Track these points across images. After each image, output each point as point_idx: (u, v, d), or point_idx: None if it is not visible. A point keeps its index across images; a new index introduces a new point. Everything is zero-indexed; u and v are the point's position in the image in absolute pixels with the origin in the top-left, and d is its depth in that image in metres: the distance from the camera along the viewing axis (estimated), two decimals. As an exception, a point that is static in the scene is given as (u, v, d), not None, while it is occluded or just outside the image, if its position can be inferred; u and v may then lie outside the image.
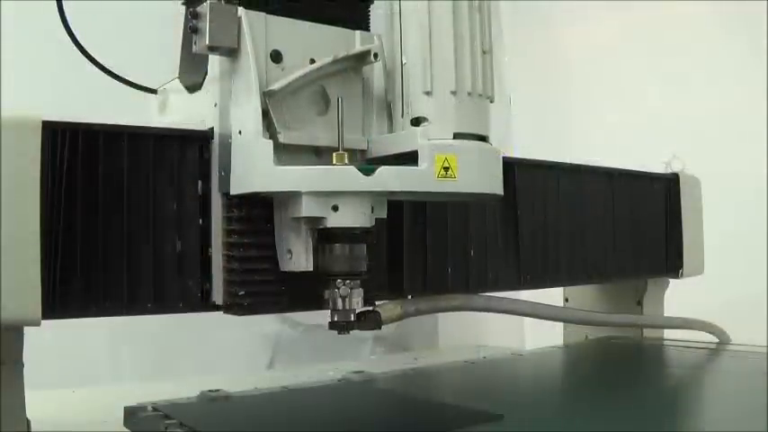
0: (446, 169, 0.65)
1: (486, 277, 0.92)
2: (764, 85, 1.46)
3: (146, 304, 0.68)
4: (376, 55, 0.70)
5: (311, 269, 0.68)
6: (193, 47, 0.67)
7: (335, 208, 0.64)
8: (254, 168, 0.65)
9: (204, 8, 0.65)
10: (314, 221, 0.66)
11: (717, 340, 1.22)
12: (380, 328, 0.74)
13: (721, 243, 1.24)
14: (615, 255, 1.10)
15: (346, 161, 0.65)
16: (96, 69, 0.79)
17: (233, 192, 0.68)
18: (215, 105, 0.70)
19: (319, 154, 0.70)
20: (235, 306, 0.69)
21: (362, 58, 0.71)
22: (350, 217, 0.65)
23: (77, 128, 0.65)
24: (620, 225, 1.10)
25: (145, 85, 0.84)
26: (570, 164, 1.04)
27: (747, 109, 1.49)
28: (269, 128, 0.66)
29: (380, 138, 0.72)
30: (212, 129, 0.70)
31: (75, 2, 0.77)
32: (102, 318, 0.67)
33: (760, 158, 1.45)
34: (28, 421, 0.67)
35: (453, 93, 0.66)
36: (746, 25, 1.52)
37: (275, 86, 0.66)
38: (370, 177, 0.63)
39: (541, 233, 0.99)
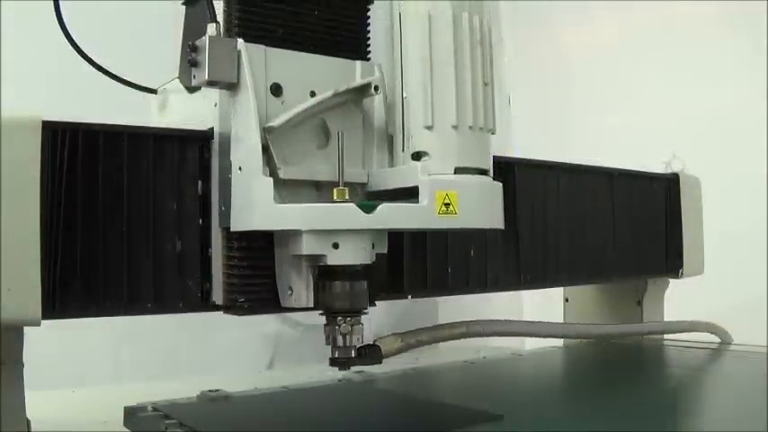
0: (447, 205, 0.64)
1: (486, 277, 0.92)
2: (764, 85, 1.46)
3: (146, 304, 0.68)
4: (377, 87, 0.70)
5: (312, 306, 0.67)
6: (192, 80, 0.66)
7: (336, 245, 0.64)
8: (254, 206, 0.64)
9: (203, 42, 0.64)
10: (314, 258, 0.65)
11: (718, 340, 1.22)
12: (381, 363, 0.73)
13: (721, 243, 1.24)
14: (615, 255, 1.10)
15: (347, 197, 0.64)
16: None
17: (233, 228, 0.67)
18: (215, 105, 0.70)
19: (320, 188, 0.69)
20: (235, 306, 0.69)
21: (363, 90, 0.71)
22: (350, 254, 0.64)
23: (77, 128, 0.65)
24: (620, 225, 1.10)
25: (145, 85, 0.84)
26: (570, 164, 1.04)
27: (747, 109, 1.49)
28: (269, 163, 0.65)
29: (381, 171, 0.71)
30: (212, 129, 0.70)
31: (75, 1, 0.77)
32: (102, 318, 0.67)
33: (760, 158, 1.45)
34: (28, 421, 0.67)
35: (455, 127, 0.66)
36: (747, 25, 1.52)
37: (275, 123, 0.66)
38: (370, 215, 0.63)
39: (541, 233, 0.99)
